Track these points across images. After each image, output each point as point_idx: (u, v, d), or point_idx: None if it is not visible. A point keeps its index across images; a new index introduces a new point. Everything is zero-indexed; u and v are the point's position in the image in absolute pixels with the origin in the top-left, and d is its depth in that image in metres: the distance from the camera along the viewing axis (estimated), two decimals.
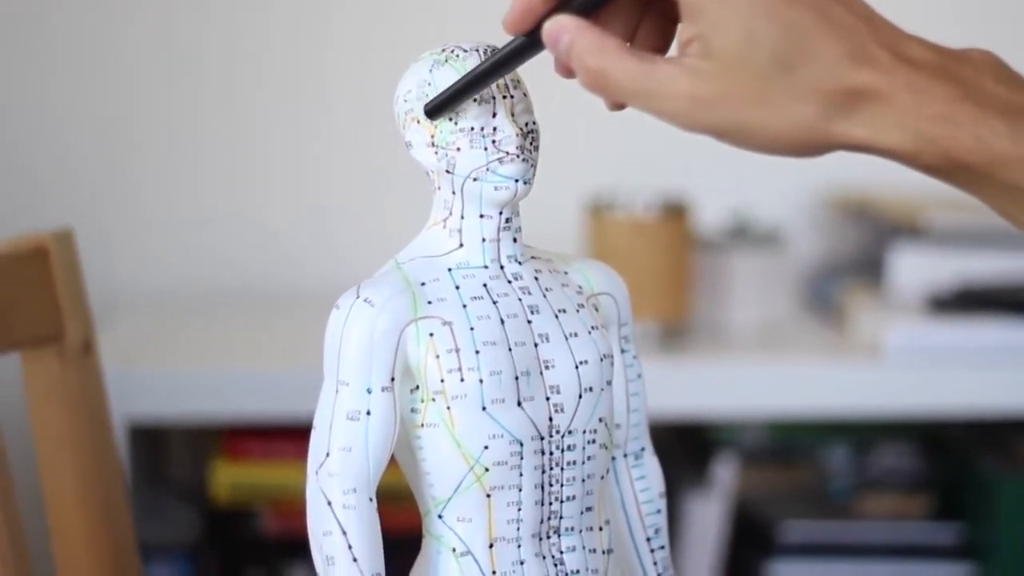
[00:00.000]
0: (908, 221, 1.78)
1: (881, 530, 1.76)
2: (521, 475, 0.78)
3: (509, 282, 0.80)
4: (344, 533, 0.76)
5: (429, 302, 0.78)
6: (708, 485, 1.75)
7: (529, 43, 0.76)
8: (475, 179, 0.79)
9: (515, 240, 0.81)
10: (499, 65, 0.78)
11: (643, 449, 0.87)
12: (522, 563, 0.79)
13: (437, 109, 0.79)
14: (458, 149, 0.79)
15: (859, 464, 1.85)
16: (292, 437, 1.66)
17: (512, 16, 0.75)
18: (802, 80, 0.70)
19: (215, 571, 1.73)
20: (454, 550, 0.79)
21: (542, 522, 0.80)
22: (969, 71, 0.71)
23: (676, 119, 0.71)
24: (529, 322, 0.80)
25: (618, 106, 0.76)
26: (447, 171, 0.80)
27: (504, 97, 0.79)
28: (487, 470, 0.78)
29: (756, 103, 0.70)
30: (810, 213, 2.03)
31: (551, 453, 0.79)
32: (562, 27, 0.73)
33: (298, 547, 1.67)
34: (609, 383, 0.82)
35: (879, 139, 0.70)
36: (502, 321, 0.79)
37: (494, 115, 0.79)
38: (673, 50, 0.76)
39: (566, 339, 0.80)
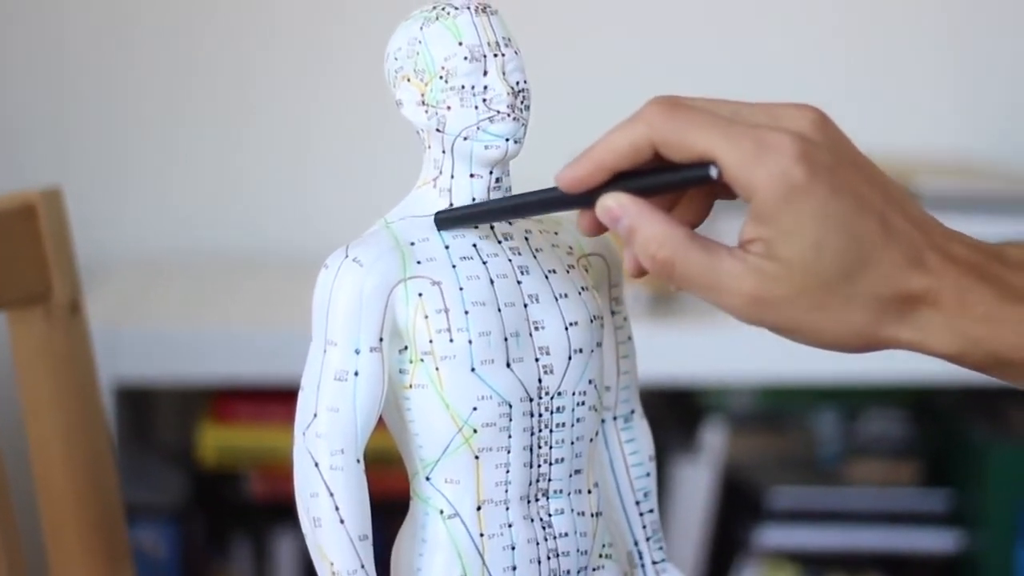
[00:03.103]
0: None
1: (870, 496, 1.76)
2: (510, 437, 0.78)
3: (499, 242, 0.80)
4: (331, 495, 0.76)
5: (418, 262, 0.78)
6: (697, 450, 1.75)
7: (571, 201, 0.75)
8: (465, 138, 0.78)
9: None
10: (533, 207, 0.78)
11: (632, 412, 0.87)
12: (510, 526, 0.79)
13: (448, 221, 0.79)
14: (448, 108, 0.78)
15: (848, 430, 1.84)
16: (280, 399, 1.66)
17: (573, 178, 0.74)
18: (861, 288, 0.72)
19: (201, 534, 1.72)
20: (442, 512, 0.78)
21: (531, 484, 0.79)
22: (1006, 269, 0.74)
23: (734, 313, 0.73)
24: (519, 283, 0.79)
25: (642, 272, 0.75)
26: (437, 130, 0.79)
27: (495, 55, 0.78)
28: (475, 432, 0.77)
29: (814, 309, 0.72)
30: None
31: (540, 415, 0.79)
32: (623, 208, 0.73)
33: (285, 510, 1.67)
34: (599, 345, 0.81)
35: (927, 342, 0.73)
36: (491, 281, 0.78)
37: (485, 73, 0.78)
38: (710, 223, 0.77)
39: (556, 300, 0.80)
